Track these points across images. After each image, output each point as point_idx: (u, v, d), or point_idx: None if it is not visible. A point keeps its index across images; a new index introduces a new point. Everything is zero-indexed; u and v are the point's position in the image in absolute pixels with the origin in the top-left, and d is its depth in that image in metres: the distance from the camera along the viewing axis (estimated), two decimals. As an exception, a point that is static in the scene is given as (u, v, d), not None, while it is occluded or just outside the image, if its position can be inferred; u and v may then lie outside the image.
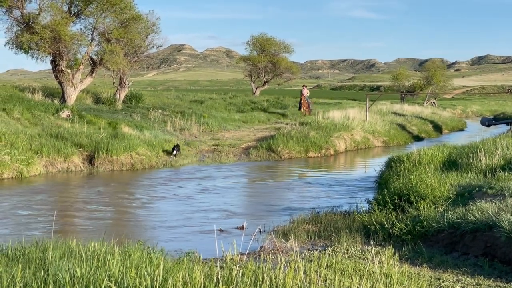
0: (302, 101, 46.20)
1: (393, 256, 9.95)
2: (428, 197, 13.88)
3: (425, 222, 12.24)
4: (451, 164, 19.31)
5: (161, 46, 40.72)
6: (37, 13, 31.82)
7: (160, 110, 38.58)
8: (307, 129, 33.86)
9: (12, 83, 49.83)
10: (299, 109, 46.72)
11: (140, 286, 6.39)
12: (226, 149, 30.51)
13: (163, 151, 27.74)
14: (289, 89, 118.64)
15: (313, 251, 11.46)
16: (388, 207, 13.84)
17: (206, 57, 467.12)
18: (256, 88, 68.60)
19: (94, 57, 34.60)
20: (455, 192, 14.51)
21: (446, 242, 11.82)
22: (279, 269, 7.05)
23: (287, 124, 39.47)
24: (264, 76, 68.80)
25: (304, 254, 11.08)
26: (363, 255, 10.95)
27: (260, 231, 13.79)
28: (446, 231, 11.93)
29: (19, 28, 32.24)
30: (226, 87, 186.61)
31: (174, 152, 27.26)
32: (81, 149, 25.21)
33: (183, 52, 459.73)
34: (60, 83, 33.63)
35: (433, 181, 14.72)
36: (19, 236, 11.50)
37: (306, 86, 48.31)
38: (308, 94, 47.28)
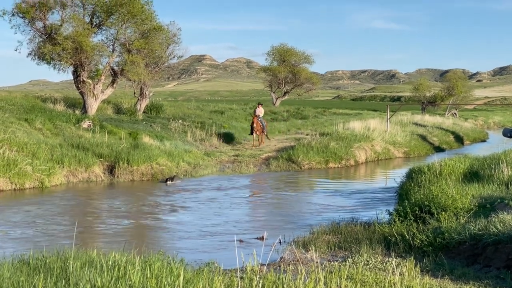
0: (254, 124, 35.01)
1: (414, 267, 9.87)
2: (449, 208, 13.78)
3: (446, 234, 12.15)
4: (472, 176, 19.14)
5: (181, 56, 41.06)
6: (59, 24, 32.18)
7: (180, 121, 38.74)
8: (328, 139, 33.78)
9: (34, 94, 50.27)
10: (251, 133, 35.75)
11: (160, 296, 6.40)
12: (246, 159, 30.50)
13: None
14: (309, 100, 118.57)
15: (334, 262, 11.40)
16: (409, 218, 13.74)
17: (227, 68, 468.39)
18: (277, 99, 68.80)
19: (115, 68, 34.86)
20: (476, 204, 14.39)
21: (468, 254, 11.72)
22: (299, 280, 7.03)
23: (307, 134, 39.43)
24: (285, 86, 68.98)
25: (325, 265, 11.03)
26: (383, 266, 10.88)
27: (280, 242, 13.77)
28: (467, 243, 11.83)
29: (41, 39, 32.58)
30: (247, 97, 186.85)
31: (168, 182, 24.11)
32: (102, 159, 25.34)
33: (204, 63, 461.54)
34: (81, 93, 33.91)
35: (454, 192, 14.60)
36: (40, 245, 11.57)
37: (261, 104, 38.78)
38: (262, 114, 36.85)
